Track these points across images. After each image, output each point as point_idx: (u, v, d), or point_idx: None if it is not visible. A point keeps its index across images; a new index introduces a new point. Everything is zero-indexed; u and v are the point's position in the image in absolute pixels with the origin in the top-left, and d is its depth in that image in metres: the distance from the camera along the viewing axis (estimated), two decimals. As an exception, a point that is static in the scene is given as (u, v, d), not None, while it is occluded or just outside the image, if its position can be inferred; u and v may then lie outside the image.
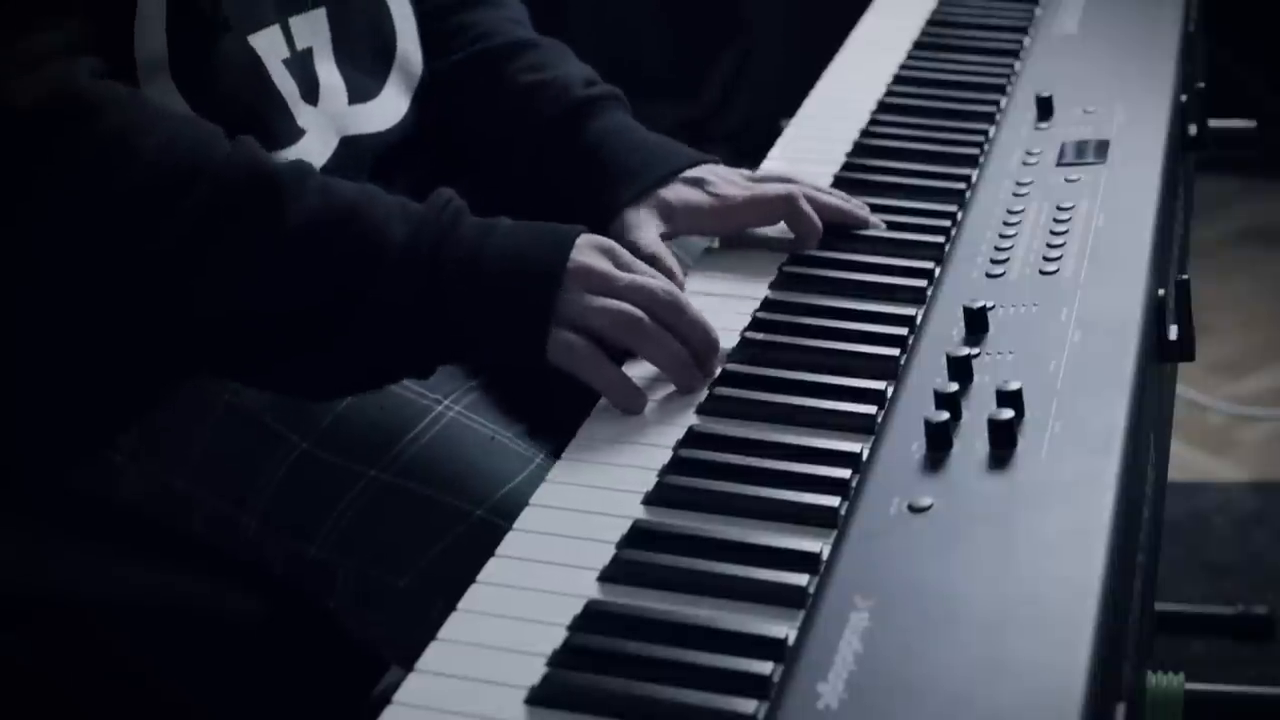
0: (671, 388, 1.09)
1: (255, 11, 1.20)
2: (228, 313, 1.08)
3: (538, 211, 1.16)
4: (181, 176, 1.07)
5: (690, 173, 1.29)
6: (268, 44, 1.21)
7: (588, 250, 1.10)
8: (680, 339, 1.09)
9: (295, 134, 1.22)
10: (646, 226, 1.25)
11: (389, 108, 1.30)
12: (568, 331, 1.07)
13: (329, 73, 1.26)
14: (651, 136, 1.33)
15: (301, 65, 1.24)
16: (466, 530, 1.10)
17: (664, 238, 1.25)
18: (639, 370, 1.10)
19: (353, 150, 1.25)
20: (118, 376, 1.19)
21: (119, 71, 1.12)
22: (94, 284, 1.09)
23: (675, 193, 1.27)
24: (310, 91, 1.24)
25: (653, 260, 1.19)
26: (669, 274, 1.19)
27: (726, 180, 1.29)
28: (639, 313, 1.08)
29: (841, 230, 1.28)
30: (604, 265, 1.10)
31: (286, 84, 1.22)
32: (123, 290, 1.09)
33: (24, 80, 1.06)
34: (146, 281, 1.08)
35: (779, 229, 1.29)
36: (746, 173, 1.32)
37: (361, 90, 1.28)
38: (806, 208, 1.26)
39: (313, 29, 1.25)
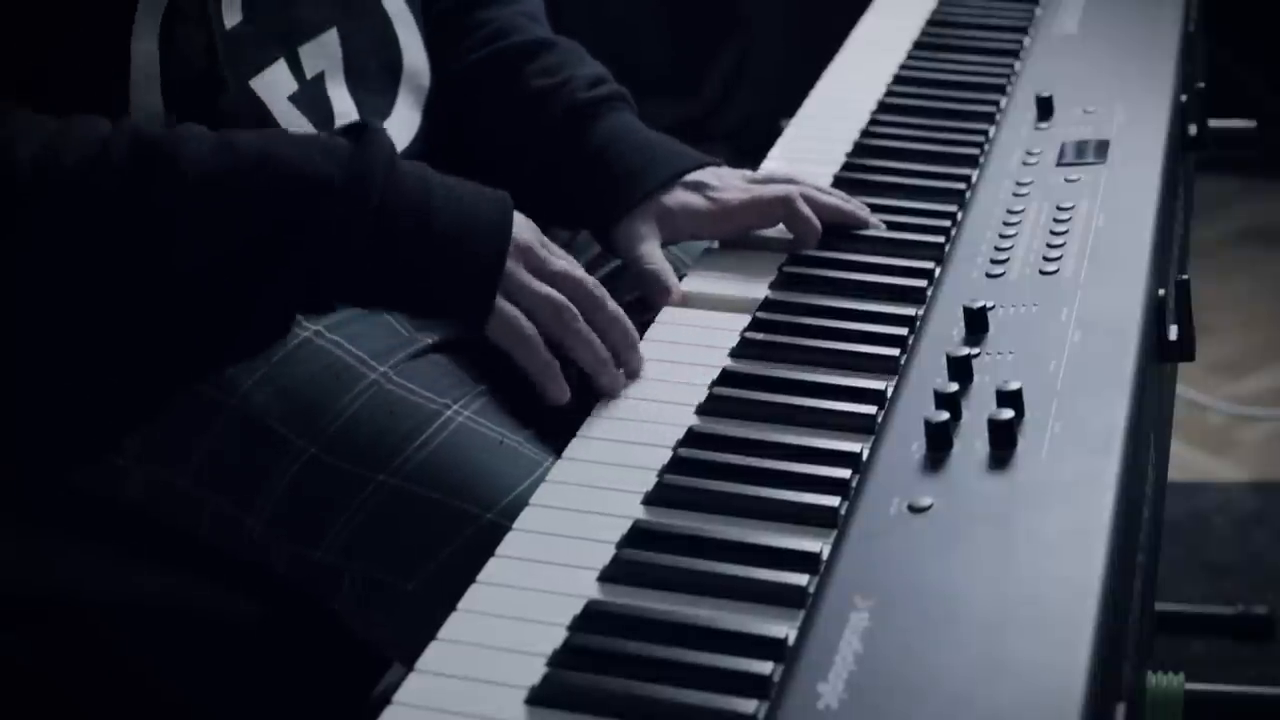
0: (672, 387, 1.09)
1: (256, 53, 1.21)
2: (163, 278, 1.10)
3: (545, 214, 1.17)
4: (67, 173, 1.08)
5: (691, 176, 1.29)
6: (271, 84, 1.21)
7: (522, 226, 1.15)
8: (600, 334, 1.13)
9: None
10: (648, 240, 1.27)
11: (402, 127, 1.31)
12: (511, 305, 1.12)
13: (341, 98, 1.26)
14: (655, 138, 1.33)
15: (312, 95, 1.24)
16: (475, 534, 1.10)
17: (664, 244, 1.27)
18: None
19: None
20: (122, 379, 1.19)
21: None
22: (28, 288, 1.12)
23: (675, 198, 1.28)
24: (323, 121, 1.24)
25: (654, 277, 1.22)
26: (664, 291, 1.22)
27: (726, 183, 1.29)
28: (570, 304, 1.13)
29: (841, 230, 1.28)
30: (537, 245, 1.15)
31: (295, 120, 1.22)
32: (56, 288, 1.11)
33: None
34: (71, 275, 1.10)
35: (779, 230, 1.29)
36: (748, 174, 1.32)
37: (374, 111, 1.29)
38: (804, 209, 1.26)
39: (324, 52, 1.25)
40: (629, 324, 1.14)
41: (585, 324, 1.13)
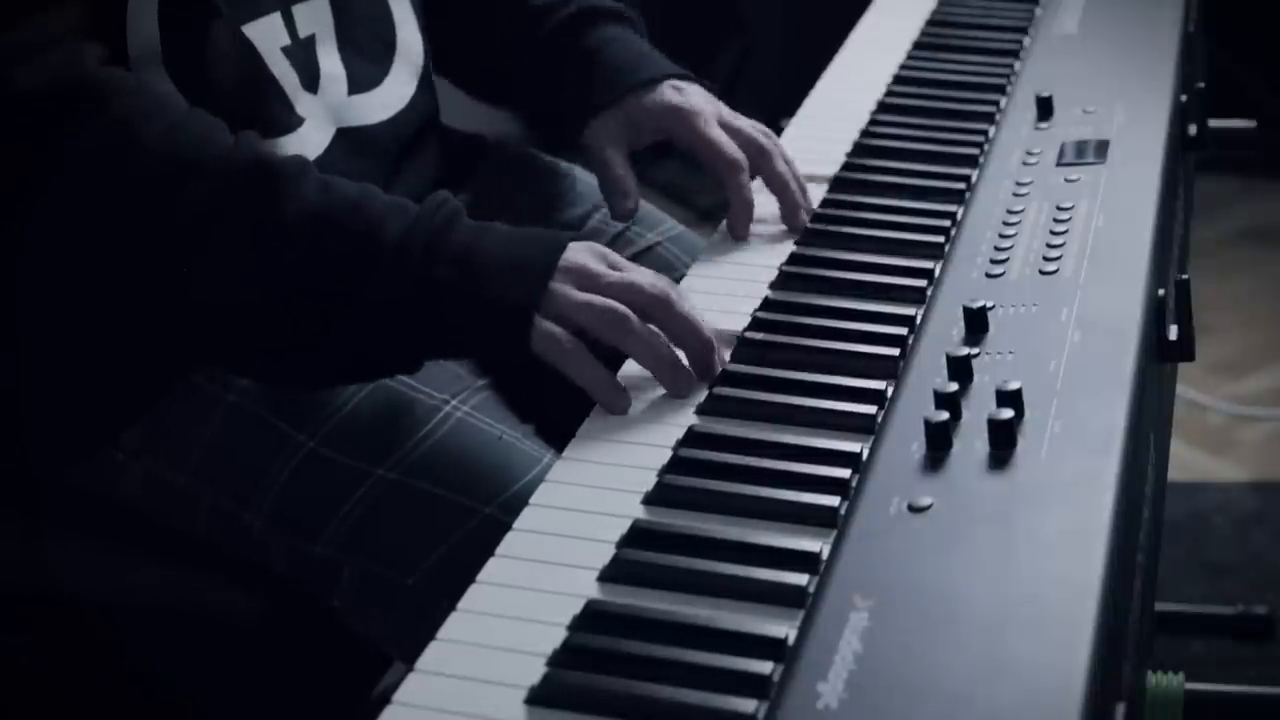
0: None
1: (252, 1, 1.21)
2: (223, 303, 1.08)
3: (539, 117, 1.19)
4: (184, 167, 1.07)
5: (676, 82, 1.34)
6: (265, 32, 1.21)
7: (581, 251, 1.10)
8: (671, 338, 1.08)
9: (294, 123, 1.22)
10: (616, 143, 1.31)
11: (392, 96, 1.31)
12: (551, 323, 1.07)
13: (331, 61, 1.26)
14: (649, 48, 1.39)
15: (303, 53, 1.24)
16: (474, 529, 1.10)
17: (635, 146, 1.32)
18: (633, 368, 1.10)
19: (350, 141, 1.26)
20: (121, 373, 1.19)
21: (113, 62, 1.13)
22: (93, 272, 1.10)
23: (653, 95, 1.33)
24: (311, 80, 1.24)
25: (620, 182, 1.27)
26: (624, 194, 1.27)
27: (707, 99, 1.34)
28: (624, 309, 1.07)
29: (786, 220, 1.31)
30: (596, 265, 1.10)
31: (285, 72, 1.22)
32: (121, 278, 1.09)
33: (28, 66, 1.07)
34: (144, 270, 1.08)
35: (775, 226, 1.29)
36: (732, 115, 1.36)
37: (364, 79, 1.29)
38: (781, 165, 1.30)
39: (316, 16, 1.26)
40: (699, 322, 1.09)
41: (641, 323, 1.07)
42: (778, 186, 1.31)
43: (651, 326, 1.08)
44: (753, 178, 1.32)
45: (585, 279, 1.09)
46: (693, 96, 1.33)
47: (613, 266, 1.11)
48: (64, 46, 1.08)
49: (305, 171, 1.10)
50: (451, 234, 1.09)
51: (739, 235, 1.30)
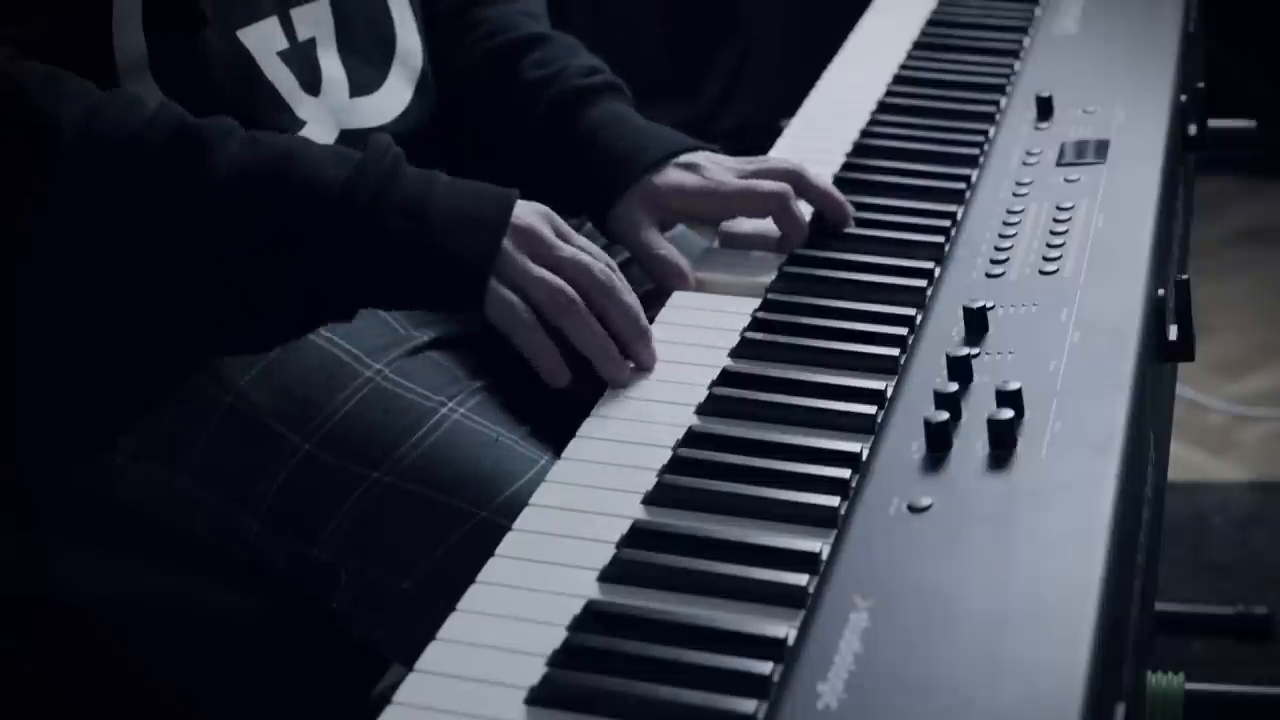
0: (673, 387, 1.09)
1: (247, 6, 1.21)
2: (169, 271, 1.09)
3: (543, 202, 1.17)
4: (104, 145, 1.08)
5: (684, 158, 1.30)
6: (261, 37, 1.21)
7: (529, 213, 1.13)
8: (609, 323, 1.11)
9: (294, 126, 1.22)
10: (646, 225, 1.26)
11: (392, 99, 1.31)
12: (508, 290, 1.10)
13: (331, 64, 1.26)
14: (646, 123, 1.33)
15: (302, 56, 1.24)
16: (470, 531, 1.10)
17: (661, 229, 1.27)
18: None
19: (352, 144, 1.25)
20: (118, 376, 1.19)
21: (100, 73, 1.13)
22: (45, 263, 1.11)
23: (665, 178, 1.28)
24: (312, 83, 1.24)
25: (663, 262, 1.22)
26: (678, 275, 1.21)
27: (721, 167, 1.30)
28: (573, 292, 1.10)
29: (827, 223, 1.28)
30: (545, 230, 1.12)
31: (283, 77, 1.22)
32: (71, 265, 1.10)
33: None
34: (89, 252, 1.09)
35: (775, 227, 1.29)
36: (749, 160, 1.32)
37: (364, 82, 1.29)
38: (796, 209, 1.26)
39: (315, 19, 1.26)
40: (639, 314, 1.12)
41: (586, 309, 1.11)
42: (819, 196, 1.28)
43: (589, 312, 1.11)
44: None
45: (536, 245, 1.12)
46: (702, 170, 1.29)
47: (559, 234, 1.13)
48: None
49: (230, 131, 1.11)
50: (399, 181, 1.10)
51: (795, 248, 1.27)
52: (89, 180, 1.08)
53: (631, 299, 1.12)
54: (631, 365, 1.12)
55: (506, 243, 1.10)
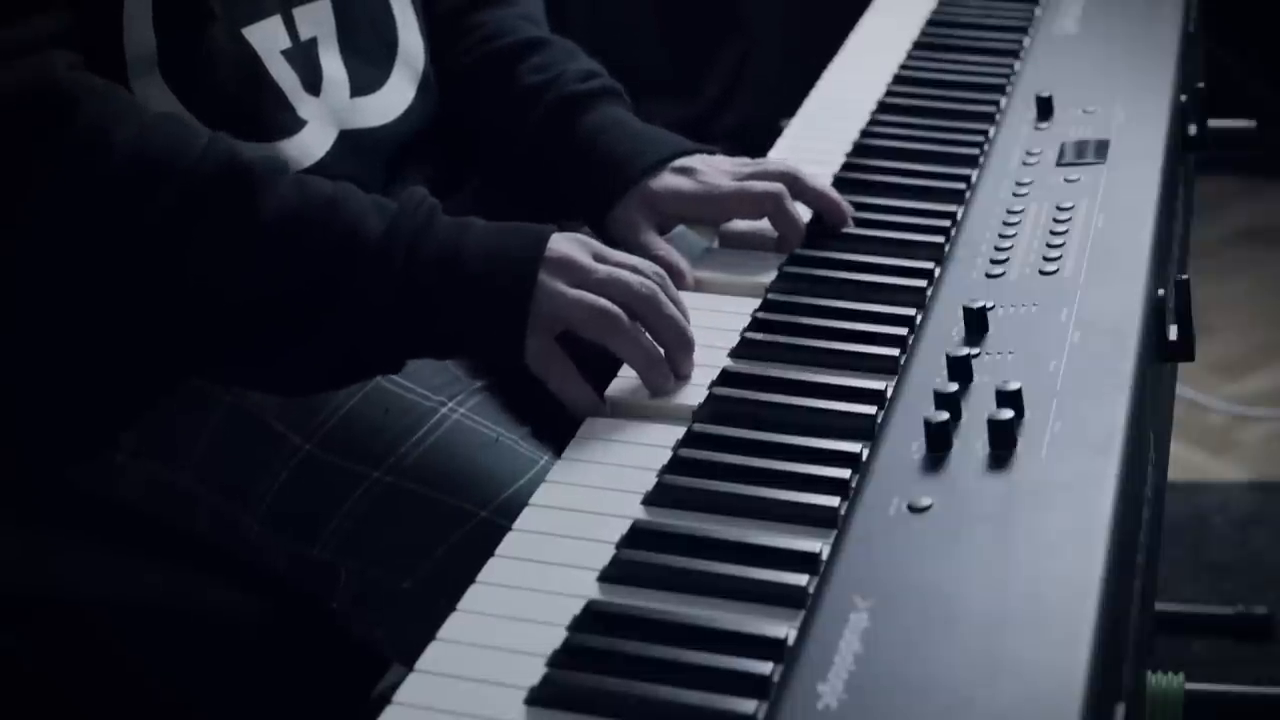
0: (673, 388, 1.09)
1: (252, 3, 1.21)
2: (204, 306, 1.08)
3: (539, 209, 1.16)
4: (155, 169, 1.07)
5: (680, 162, 1.30)
6: (265, 35, 1.21)
7: (565, 242, 1.11)
8: (654, 335, 1.09)
9: (295, 125, 1.22)
10: (644, 228, 1.26)
11: (393, 100, 1.31)
12: (545, 337, 1.08)
13: (333, 64, 1.26)
14: (644, 127, 1.34)
15: (304, 55, 1.24)
16: (470, 532, 1.10)
17: (659, 232, 1.26)
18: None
19: (352, 144, 1.25)
20: (119, 374, 1.19)
21: (109, 69, 1.13)
22: (75, 275, 1.10)
23: (662, 182, 1.28)
24: (313, 82, 1.24)
25: (663, 264, 1.20)
26: (677, 275, 1.20)
27: (717, 169, 1.29)
28: (614, 308, 1.08)
29: (826, 223, 1.28)
30: (582, 256, 1.10)
31: (286, 76, 1.22)
32: (103, 281, 1.09)
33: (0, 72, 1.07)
34: (123, 273, 1.08)
35: (768, 226, 1.30)
36: (744, 161, 1.32)
37: (366, 82, 1.29)
38: (792, 209, 1.26)
39: (317, 19, 1.26)
40: (682, 325, 1.10)
41: (630, 324, 1.08)
42: (815, 197, 1.29)
43: (639, 325, 1.09)
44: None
45: (573, 273, 1.09)
46: (698, 174, 1.29)
47: (598, 256, 1.11)
48: (34, 53, 1.08)
49: (280, 170, 1.10)
50: (433, 231, 1.09)
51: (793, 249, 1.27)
52: (135, 203, 1.07)
53: (673, 310, 1.10)
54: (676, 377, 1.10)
55: (543, 275, 1.08)
